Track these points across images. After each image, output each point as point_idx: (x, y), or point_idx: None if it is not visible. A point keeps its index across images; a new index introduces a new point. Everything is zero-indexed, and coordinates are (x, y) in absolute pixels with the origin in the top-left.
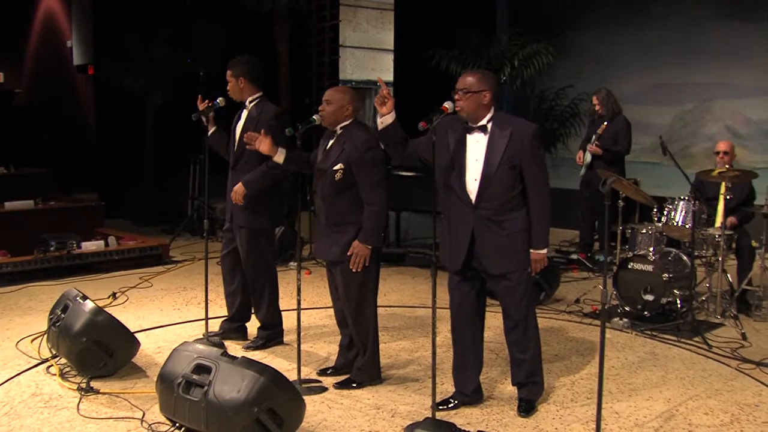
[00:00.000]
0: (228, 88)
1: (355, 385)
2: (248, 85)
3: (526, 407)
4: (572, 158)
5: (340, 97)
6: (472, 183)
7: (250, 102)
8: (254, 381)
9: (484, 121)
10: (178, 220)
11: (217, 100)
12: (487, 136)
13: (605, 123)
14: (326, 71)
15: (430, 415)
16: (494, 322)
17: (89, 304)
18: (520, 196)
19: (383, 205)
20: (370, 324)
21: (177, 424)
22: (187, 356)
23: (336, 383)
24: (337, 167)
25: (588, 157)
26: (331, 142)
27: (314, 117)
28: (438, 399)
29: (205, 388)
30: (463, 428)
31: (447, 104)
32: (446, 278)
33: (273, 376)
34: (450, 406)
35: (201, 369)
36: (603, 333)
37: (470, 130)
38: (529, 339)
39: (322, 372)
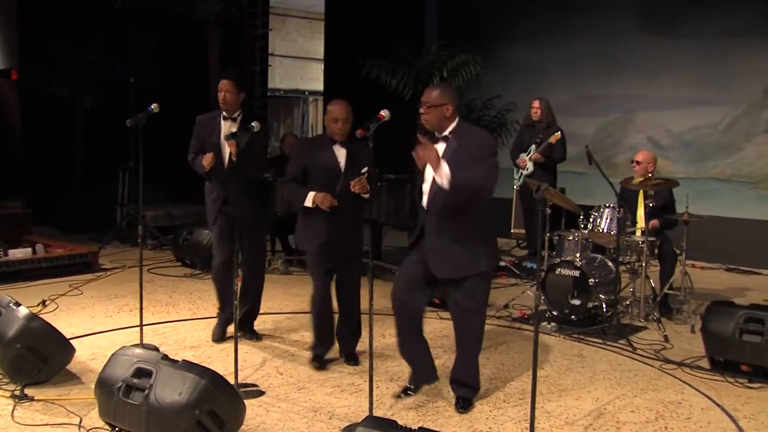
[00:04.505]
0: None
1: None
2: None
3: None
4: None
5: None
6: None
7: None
8: (195, 384)
9: (446, 132)
10: (106, 227)
11: (151, 107)
12: (445, 145)
13: (558, 132)
14: (257, 79)
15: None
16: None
17: (23, 311)
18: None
19: None
20: None
21: (117, 429)
22: (126, 360)
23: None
24: None
25: (530, 166)
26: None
27: (253, 124)
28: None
29: (146, 391)
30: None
31: (383, 112)
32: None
33: (213, 378)
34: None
35: (141, 373)
36: (536, 334)
37: (435, 140)
38: None
39: None
